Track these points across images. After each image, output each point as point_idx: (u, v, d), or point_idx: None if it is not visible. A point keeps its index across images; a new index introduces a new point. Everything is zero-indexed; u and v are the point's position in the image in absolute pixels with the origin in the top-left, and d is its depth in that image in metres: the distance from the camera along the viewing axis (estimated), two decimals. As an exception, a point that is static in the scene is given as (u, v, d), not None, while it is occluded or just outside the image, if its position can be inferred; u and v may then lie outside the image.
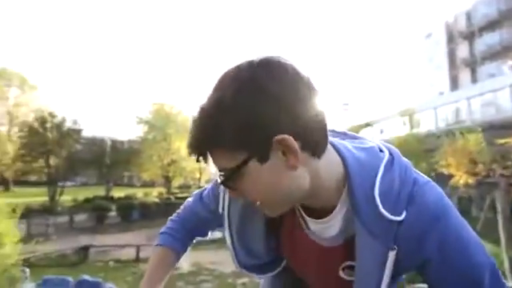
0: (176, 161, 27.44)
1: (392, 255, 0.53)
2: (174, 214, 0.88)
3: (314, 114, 0.50)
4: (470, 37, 32.44)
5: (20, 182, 32.49)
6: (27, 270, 4.22)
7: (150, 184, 55.38)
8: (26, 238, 8.52)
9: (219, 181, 0.53)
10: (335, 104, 31.09)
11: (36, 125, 21.27)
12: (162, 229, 0.85)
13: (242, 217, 0.67)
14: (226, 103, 0.48)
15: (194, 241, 0.93)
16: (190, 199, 0.86)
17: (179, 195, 28.14)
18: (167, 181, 28.32)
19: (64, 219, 15.17)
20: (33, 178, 26.11)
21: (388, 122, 29.84)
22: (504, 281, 0.56)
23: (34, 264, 7.45)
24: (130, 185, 54.91)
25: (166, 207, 18.42)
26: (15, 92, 29.10)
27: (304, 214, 0.62)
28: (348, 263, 0.60)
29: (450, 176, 8.82)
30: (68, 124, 22.00)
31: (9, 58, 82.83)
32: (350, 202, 0.55)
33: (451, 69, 34.55)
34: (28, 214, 12.28)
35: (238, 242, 0.70)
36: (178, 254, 0.82)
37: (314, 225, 0.61)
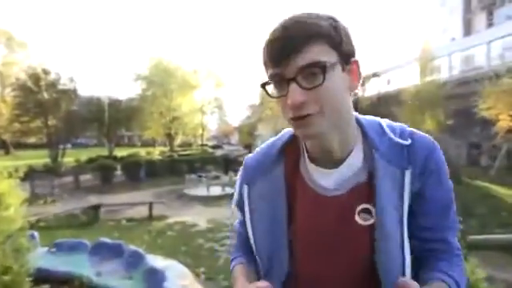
0: (178, 117, 26.71)
1: (408, 174, 0.62)
2: (231, 245, 1.03)
3: None
4: (488, -25, 29.99)
5: (20, 146, 32.04)
6: (36, 234, 3.73)
7: (151, 143, 55.28)
8: (32, 200, 8.13)
9: (311, 72, 0.56)
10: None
11: (29, 83, 20.11)
12: (233, 254, 0.85)
13: (262, 201, 0.72)
14: (327, 15, 0.59)
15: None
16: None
17: (182, 153, 27.90)
18: (170, 138, 27.82)
19: (69, 179, 14.85)
20: (32, 140, 25.57)
21: (396, 72, 28.64)
22: None
23: (44, 226, 7.10)
24: (131, 145, 54.89)
25: (171, 165, 18.10)
26: (2, 51, 27.45)
27: (319, 168, 0.68)
28: (362, 206, 0.64)
29: (492, 122, 8.24)
30: (63, 82, 20.80)
31: (-9, 15, 77.85)
32: (366, 141, 0.66)
33: (465, 13, 32.49)
34: (31, 175, 11.87)
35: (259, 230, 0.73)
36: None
37: (328, 176, 0.67)
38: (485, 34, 22.11)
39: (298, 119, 0.57)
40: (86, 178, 15.54)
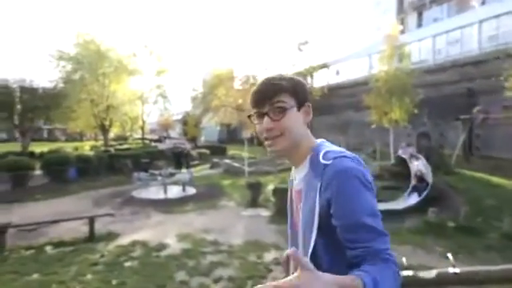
0: (114, 106, 22.72)
1: (319, 185, 0.80)
2: None
3: None
4: (419, -21, 31.85)
5: None
6: None
7: (78, 138, 48.33)
8: None
9: (277, 110, 0.88)
10: (291, 44, 28.63)
11: None
12: None
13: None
14: (290, 77, 0.94)
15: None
16: None
17: (120, 147, 24.07)
18: (104, 131, 23.63)
19: (-39, 185, 10.81)
20: None
21: (343, 64, 28.91)
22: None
23: None
24: (52, 139, 47.27)
25: (110, 161, 14.86)
26: None
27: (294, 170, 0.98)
28: (300, 204, 0.90)
29: None
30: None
31: None
32: (310, 161, 0.88)
33: (399, 13, 34.32)
34: None
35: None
36: None
37: (297, 173, 0.95)
38: (430, 29, 23.04)
39: (269, 139, 0.88)
40: (-11, 181, 11.63)
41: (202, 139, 35.31)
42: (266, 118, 0.87)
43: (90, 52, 21.99)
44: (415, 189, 7.59)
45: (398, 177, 8.91)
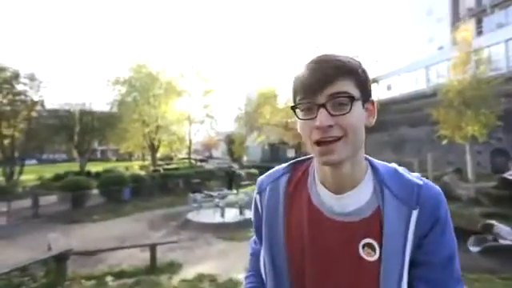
0: (163, 127, 23.16)
1: (415, 214, 0.63)
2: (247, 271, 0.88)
3: None
4: (477, -17, 29.68)
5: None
6: None
7: (127, 158, 50.57)
8: None
9: (339, 101, 0.61)
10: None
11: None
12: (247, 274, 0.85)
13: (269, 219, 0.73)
14: (358, 60, 0.66)
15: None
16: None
17: (167, 167, 24.34)
18: (152, 151, 24.08)
19: (26, 204, 11.09)
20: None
21: (397, 78, 27.18)
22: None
23: None
24: (105, 159, 49.95)
25: (162, 180, 14.70)
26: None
27: (326, 191, 0.68)
28: (367, 240, 0.64)
29: None
30: (23, 81, 16.83)
31: None
32: (376, 178, 0.67)
33: (454, 21, 32.12)
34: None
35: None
36: None
37: (336, 201, 0.67)
38: (499, 34, 20.84)
39: (323, 144, 0.61)
40: (51, 200, 11.86)
41: (245, 159, 34.88)
42: (322, 112, 0.61)
43: (141, 75, 22.87)
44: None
45: (501, 202, 7.32)
